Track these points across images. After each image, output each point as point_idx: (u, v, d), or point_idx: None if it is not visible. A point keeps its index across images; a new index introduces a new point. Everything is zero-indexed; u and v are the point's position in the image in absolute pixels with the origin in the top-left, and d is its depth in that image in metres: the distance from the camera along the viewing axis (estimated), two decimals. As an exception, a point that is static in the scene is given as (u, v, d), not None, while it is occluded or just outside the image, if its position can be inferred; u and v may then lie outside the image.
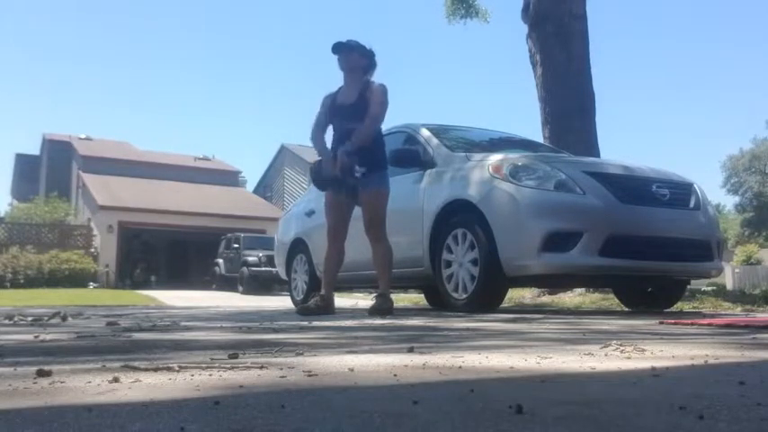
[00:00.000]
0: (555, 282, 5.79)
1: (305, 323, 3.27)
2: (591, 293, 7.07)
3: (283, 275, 7.11)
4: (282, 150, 32.18)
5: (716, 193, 64.10)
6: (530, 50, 8.69)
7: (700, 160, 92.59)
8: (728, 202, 56.21)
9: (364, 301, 8.79)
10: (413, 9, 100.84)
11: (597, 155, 7.59)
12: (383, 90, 4.30)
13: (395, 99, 4.47)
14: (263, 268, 17.72)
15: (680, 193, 4.58)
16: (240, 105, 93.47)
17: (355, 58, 4.35)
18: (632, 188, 4.36)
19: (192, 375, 1.34)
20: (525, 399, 1.02)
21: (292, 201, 22.63)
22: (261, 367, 1.45)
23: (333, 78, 4.57)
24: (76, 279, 19.34)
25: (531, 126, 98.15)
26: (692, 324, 3.08)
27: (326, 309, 4.29)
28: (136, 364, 1.49)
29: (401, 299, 8.94)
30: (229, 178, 28.89)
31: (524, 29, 8.80)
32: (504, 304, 5.47)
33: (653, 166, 4.83)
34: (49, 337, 2.43)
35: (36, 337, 2.40)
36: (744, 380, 1.23)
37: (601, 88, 10.16)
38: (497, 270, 4.28)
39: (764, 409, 0.98)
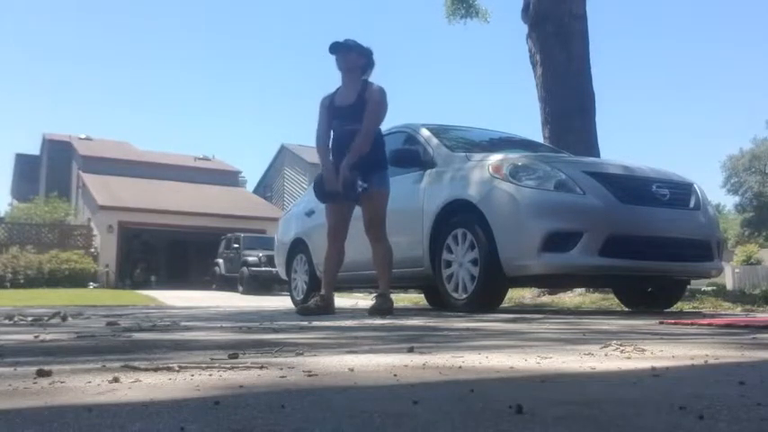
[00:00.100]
0: (555, 282, 5.79)
1: (305, 323, 3.27)
2: (591, 293, 7.07)
3: (283, 275, 7.11)
4: (282, 150, 32.18)
5: (716, 193, 64.20)
6: (530, 50, 8.69)
7: (700, 160, 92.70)
8: (728, 202, 56.31)
9: (364, 301, 8.79)
10: (413, 9, 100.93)
11: (597, 155, 7.59)
12: (381, 94, 4.30)
13: (394, 99, 4.48)
14: (263, 268, 17.72)
15: (680, 193, 4.58)
16: (240, 105, 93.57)
17: (353, 57, 4.35)
18: (632, 188, 4.36)
19: (192, 375, 1.34)
20: (525, 399, 1.02)
21: (292, 201, 22.63)
22: (261, 367, 1.45)
23: (332, 78, 4.57)
24: (76, 279, 19.35)
25: (531, 126, 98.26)
26: (692, 324, 3.08)
27: (326, 309, 4.29)
28: (136, 364, 1.49)
29: (401, 299, 8.94)
30: (229, 178, 28.90)
31: (524, 29, 8.81)
32: (504, 304, 5.47)
33: (653, 166, 4.83)
34: (49, 337, 2.43)
35: (36, 337, 2.40)
36: (744, 380, 1.23)
37: (601, 88, 10.17)
38: (497, 270, 4.28)
39: (764, 409, 0.98)
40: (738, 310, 5.15)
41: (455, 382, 1.27)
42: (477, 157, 4.75)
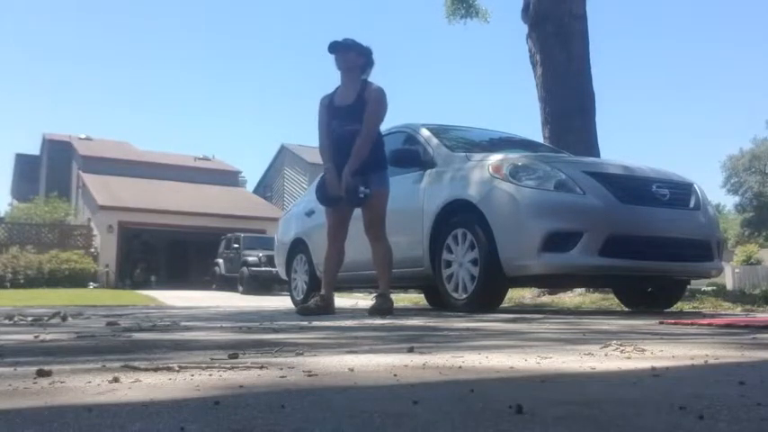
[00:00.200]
0: (555, 282, 5.79)
1: (305, 323, 3.27)
2: (591, 293, 7.07)
3: (283, 275, 7.11)
4: (282, 150, 32.18)
5: (716, 193, 64.18)
6: (530, 50, 8.69)
7: (700, 160, 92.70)
8: (728, 202, 56.29)
9: (364, 301, 8.79)
10: (413, 9, 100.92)
11: (597, 155, 7.59)
12: (380, 94, 4.29)
13: (394, 99, 4.48)
14: (263, 268, 17.73)
15: (680, 193, 4.58)
16: (240, 105, 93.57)
17: (352, 57, 4.35)
18: (632, 188, 4.36)
19: (192, 375, 1.34)
20: (525, 399, 1.02)
21: (292, 201, 22.63)
22: (261, 367, 1.45)
23: (332, 78, 4.56)
24: (76, 279, 19.35)
25: (531, 126, 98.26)
26: (692, 324, 3.08)
27: (326, 309, 4.29)
28: (136, 364, 1.49)
29: (401, 299, 8.94)
30: (229, 178, 28.90)
31: (524, 29, 8.81)
32: (504, 304, 5.47)
33: (653, 166, 4.83)
34: (49, 337, 2.43)
35: (36, 337, 2.40)
36: (744, 380, 1.23)
37: (601, 88, 10.18)
38: (497, 270, 4.28)
39: (764, 409, 0.98)
40: (738, 310, 5.15)
41: (455, 382, 1.27)
42: (477, 157, 4.75)
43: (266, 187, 32.85)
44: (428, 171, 4.94)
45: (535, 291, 7.67)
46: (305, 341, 2.18)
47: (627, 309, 5.38)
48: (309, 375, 1.33)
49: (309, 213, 6.26)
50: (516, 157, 4.72)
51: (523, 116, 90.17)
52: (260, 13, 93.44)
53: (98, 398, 1.08)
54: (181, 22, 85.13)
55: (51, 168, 30.33)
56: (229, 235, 21.06)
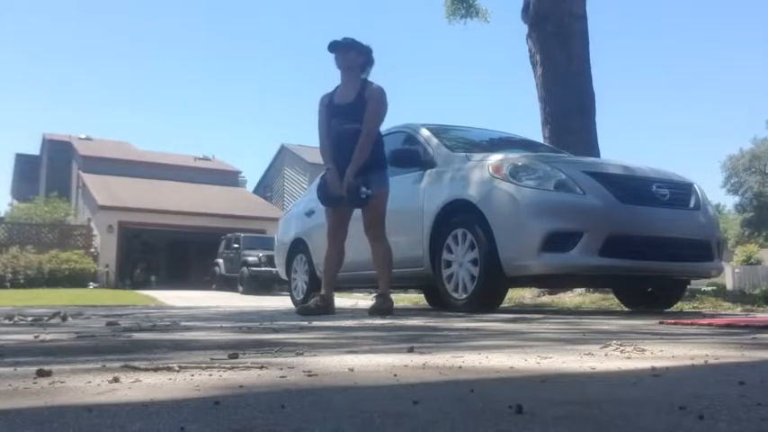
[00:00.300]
0: (555, 282, 5.79)
1: (305, 323, 3.27)
2: (591, 293, 7.07)
3: (283, 275, 7.11)
4: (282, 150, 32.18)
5: (716, 193, 64.17)
6: (530, 50, 8.69)
7: (700, 160, 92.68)
8: (728, 202, 56.28)
9: (364, 301, 8.79)
10: (413, 9, 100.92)
11: (597, 155, 7.58)
12: (380, 94, 4.30)
13: (394, 99, 4.48)
14: (263, 268, 17.73)
15: (680, 193, 4.59)
16: (240, 105, 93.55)
17: (352, 56, 4.35)
18: (632, 188, 4.36)
19: (192, 375, 1.34)
20: (525, 399, 1.02)
21: (292, 201, 22.62)
22: (261, 367, 1.45)
23: (332, 78, 4.56)
24: (76, 279, 19.35)
25: (531, 126, 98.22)
26: (692, 324, 3.08)
27: (326, 309, 4.29)
28: (136, 364, 1.49)
29: (401, 299, 8.94)
30: (229, 178, 28.90)
31: (524, 29, 8.81)
32: (504, 304, 5.47)
33: (653, 166, 4.83)
34: (49, 337, 2.43)
35: (36, 337, 2.40)
36: (744, 380, 1.23)
37: (601, 88, 10.18)
38: (497, 270, 4.28)
39: (764, 409, 0.98)
40: (738, 310, 5.15)
41: (455, 382, 1.27)
42: (477, 157, 4.75)
43: (266, 187, 32.85)
44: (428, 171, 4.94)
45: (535, 291, 7.66)
46: (305, 341, 2.18)
47: (627, 309, 5.38)
48: (309, 375, 1.33)
49: (309, 213, 6.26)
50: (516, 157, 4.72)
51: (523, 116, 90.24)
52: (260, 13, 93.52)
53: (98, 398, 1.08)
54: (181, 22, 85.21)
55: (51, 168, 30.33)
56: (229, 235, 21.06)
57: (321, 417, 0.92)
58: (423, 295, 7.50)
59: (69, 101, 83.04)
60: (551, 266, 4.21)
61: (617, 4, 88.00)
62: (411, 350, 1.81)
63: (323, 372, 1.39)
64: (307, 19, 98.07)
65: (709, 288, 8.76)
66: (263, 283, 17.66)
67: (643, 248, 4.29)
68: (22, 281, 18.26)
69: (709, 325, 3.01)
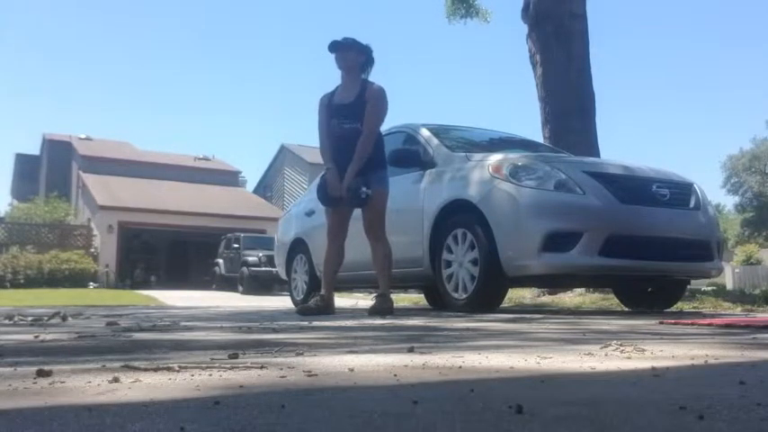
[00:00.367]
0: (555, 282, 5.79)
1: (305, 323, 3.27)
2: (591, 293, 7.07)
3: (283, 275, 7.12)
4: (282, 150, 32.18)
5: (716, 193, 64.28)
6: (530, 50, 8.70)
7: (700, 160, 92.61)
8: (728, 202, 56.32)
9: (364, 301, 8.79)
10: (413, 9, 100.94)
11: (597, 155, 7.59)
12: (381, 93, 4.29)
13: (394, 100, 4.48)
14: (263, 268, 17.73)
15: (680, 193, 4.59)
16: (240, 105, 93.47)
17: (352, 56, 4.35)
18: (632, 188, 4.36)
19: (192, 375, 1.34)
20: (525, 399, 1.02)
21: (292, 201, 22.61)
22: (261, 367, 1.45)
23: (332, 78, 4.56)
24: (76, 279, 19.35)
25: (531, 126, 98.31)
26: (692, 324, 3.08)
27: (326, 309, 4.29)
28: (136, 364, 1.49)
29: (401, 299, 8.94)
30: (229, 178, 28.90)
31: (524, 29, 8.81)
32: (504, 304, 5.47)
33: (653, 166, 4.83)
34: (49, 337, 2.43)
35: (36, 337, 2.40)
36: (744, 380, 1.23)
37: (601, 88, 10.19)
38: (497, 270, 4.28)
39: (764, 409, 0.98)
40: (738, 310, 5.15)
41: (455, 382, 1.27)
42: (477, 157, 4.75)
43: (266, 187, 32.85)
44: (428, 171, 4.94)
45: (535, 291, 7.67)
46: (305, 341, 2.18)
47: (627, 309, 5.38)
48: (309, 375, 1.33)
49: (309, 213, 6.27)
50: (516, 157, 4.73)
51: (523, 116, 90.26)
52: (260, 13, 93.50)
53: (98, 398, 1.08)
54: (181, 21, 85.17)
55: (51, 168, 30.32)
56: (229, 235, 21.05)
57: (321, 417, 0.92)
58: (423, 295, 7.50)
59: (69, 101, 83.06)
60: (551, 266, 4.21)
61: (617, 4, 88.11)
62: (411, 350, 1.81)
63: (323, 372, 1.39)
64: (307, 19, 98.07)
65: (709, 288, 8.75)
66: (263, 283, 17.66)
67: (643, 248, 4.29)
68: (22, 281, 18.26)
69: (709, 325, 3.01)
